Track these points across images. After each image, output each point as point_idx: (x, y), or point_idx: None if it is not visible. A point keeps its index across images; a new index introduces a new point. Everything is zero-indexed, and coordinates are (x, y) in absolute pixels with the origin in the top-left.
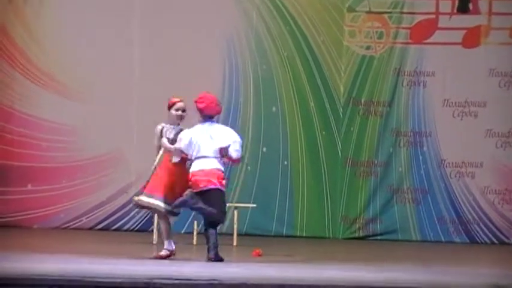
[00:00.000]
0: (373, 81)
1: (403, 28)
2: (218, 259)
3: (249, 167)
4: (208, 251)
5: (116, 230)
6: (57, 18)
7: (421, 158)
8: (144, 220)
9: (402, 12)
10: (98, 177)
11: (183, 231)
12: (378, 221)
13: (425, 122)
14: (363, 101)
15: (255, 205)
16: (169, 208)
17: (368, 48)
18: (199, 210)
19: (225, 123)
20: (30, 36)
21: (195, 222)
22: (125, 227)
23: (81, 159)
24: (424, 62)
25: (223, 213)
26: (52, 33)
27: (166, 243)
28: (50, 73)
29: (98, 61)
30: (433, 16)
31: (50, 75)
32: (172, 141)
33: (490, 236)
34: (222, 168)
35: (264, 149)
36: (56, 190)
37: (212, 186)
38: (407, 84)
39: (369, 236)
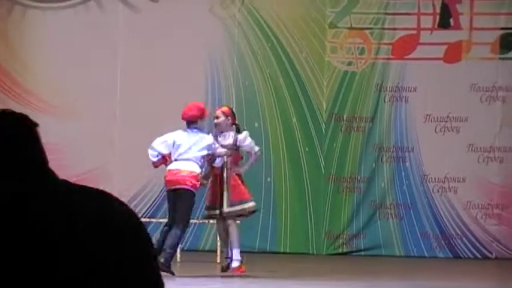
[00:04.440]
0: (355, 97)
1: (385, 44)
2: (166, 267)
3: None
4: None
5: None
6: (39, 35)
7: (403, 173)
8: None
9: (383, 28)
10: None
11: None
12: (362, 237)
13: (408, 138)
14: (345, 116)
15: (238, 221)
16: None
17: (350, 64)
18: None
19: None
20: (12, 54)
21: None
22: None
23: (63, 178)
24: (405, 78)
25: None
26: (34, 51)
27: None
28: (32, 91)
29: (81, 78)
30: (415, 32)
31: (32, 93)
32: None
33: (473, 250)
34: (197, 171)
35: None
36: None
37: (183, 187)
38: (390, 100)
39: (353, 252)
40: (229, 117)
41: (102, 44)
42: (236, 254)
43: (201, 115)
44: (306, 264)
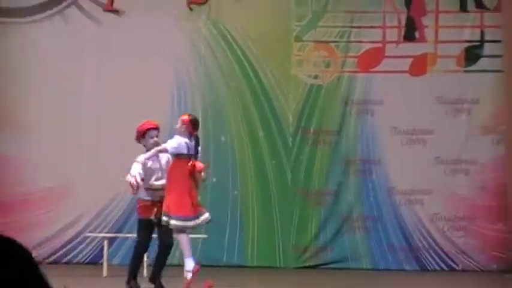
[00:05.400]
0: (322, 110)
1: (351, 57)
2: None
3: (199, 197)
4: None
5: (65, 263)
6: (2, 50)
7: (370, 186)
8: (94, 253)
9: (349, 41)
10: (46, 210)
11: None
12: (329, 250)
13: (374, 150)
14: (312, 129)
15: (205, 236)
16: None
17: (316, 77)
18: None
19: None
20: None
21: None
22: (75, 260)
23: (29, 193)
24: (371, 91)
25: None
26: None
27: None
28: None
29: (45, 92)
30: (380, 45)
31: None
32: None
33: (440, 263)
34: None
35: (214, 179)
36: (3, 225)
37: None
38: (356, 113)
39: (320, 265)
40: (184, 125)
41: (68, 58)
42: (186, 264)
43: (137, 136)
44: (274, 278)
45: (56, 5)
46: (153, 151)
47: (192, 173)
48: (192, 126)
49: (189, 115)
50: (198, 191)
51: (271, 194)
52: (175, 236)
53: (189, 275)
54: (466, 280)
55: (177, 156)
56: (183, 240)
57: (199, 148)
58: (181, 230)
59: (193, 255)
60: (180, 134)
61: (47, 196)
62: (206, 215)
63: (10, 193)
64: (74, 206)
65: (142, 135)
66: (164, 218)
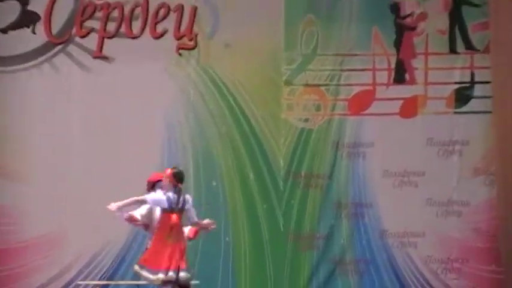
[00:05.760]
0: (313, 153)
1: (341, 100)
2: None
3: (190, 243)
4: None
5: None
6: None
7: (362, 229)
8: None
9: (339, 85)
10: (37, 258)
11: None
12: None
13: (366, 193)
14: (303, 173)
15: (197, 282)
16: None
17: (306, 120)
18: None
19: None
20: None
21: None
22: None
23: (20, 241)
24: (362, 133)
25: None
26: None
27: None
28: None
29: (35, 141)
30: (370, 87)
31: None
32: None
33: None
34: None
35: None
36: None
37: None
38: (347, 156)
39: None
40: (167, 179)
41: (57, 107)
42: None
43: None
44: None
45: (44, 53)
46: (131, 200)
47: (176, 227)
48: (176, 179)
49: (173, 168)
50: (182, 245)
51: (263, 239)
52: None
53: None
54: None
55: (162, 210)
56: None
57: (188, 198)
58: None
59: None
60: (166, 188)
61: (39, 244)
62: (183, 274)
63: (3, 242)
64: (66, 254)
65: (151, 186)
66: (136, 267)
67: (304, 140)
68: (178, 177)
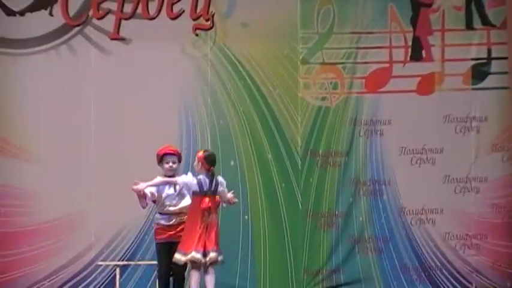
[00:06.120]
0: (330, 132)
1: (358, 78)
2: None
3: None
4: None
5: None
6: (10, 81)
7: (381, 206)
8: (107, 281)
9: (356, 63)
10: (58, 240)
11: None
12: (341, 272)
13: (384, 171)
14: (320, 152)
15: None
16: None
17: (323, 99)
18: None
19: None
20: None
21: None
22: None
23: (41, 223)
24: (379, 111)
25: None
26: (5, 97)
27: None
28: (4, 137)
29: (54, 123)
30: (387, 65)
31: (4, 139)
32: None
33: (454, 282)
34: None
35: (224, 204)
36: (16, 255)
37: None
38: (364, 134)
39: (333, 287)
40: (199, 162)
41: (75, 88)
42: None
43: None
44: None
45: (61, 35)
46: (160, 180)
47: (208, 210)
48: (207, 162)
49: (204, 151)
50: (215, 228)
51: (281, 218)
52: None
53: None
54: None
55: (193, 193)
56: (190, 277)
57: (222, 181)
58: (192, 266)
59: None
60: (198, 171)
61: (59, 225)
62: (212, 255)
63: (21, 224)
64: (86, 235)
65: (159, 159)
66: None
67: (322, 119)
68: (210, 161)
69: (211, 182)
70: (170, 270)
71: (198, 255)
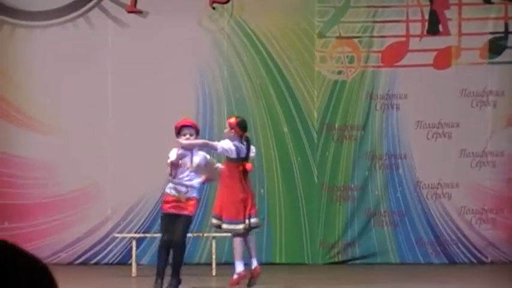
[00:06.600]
0: (346, 105)
1: (374, 52)
2: None
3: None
4: None
5: (95, 264)
6: (27, 53)
7: (397, 180)
8: (123, 253)
9: (372, 36)
10: (74, 212)
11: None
12: (357, 245)
13: (400, 145)
14: (336, 125)
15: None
16: None
17: (339, 73)
18: None
19: None
20: (1, 72)
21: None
22: (104, 261)
23: (57, 195)
24: (396, 85)
25: None
26: (23, 69)
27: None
28: (21, 109)
29: (71, 95)
30: (404, 39)
31: (21, 111)
32: None
33: (469, 255)
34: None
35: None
36: (33, 226)
37: None
38: (381, 108)
39: (348, 260)
40: (232, 129)
41: (92, 61)
42: (235, 266)
43: (175, 132)
44: (302, 275)
45: (79, 7)
46: (202, 141)
47: (244, 175)
48: (240, 128)
49: (236, 117)
50: (251, 193)
51: (297, 191)
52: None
53: (234, 276)
54: (496, 272)
55: (228, 159)
56: (235, 244)
57: (253, 148)
58: (235, 233)
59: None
60: (230, 138)
61: (75, 198)
62: (254, 220)
63: (38, 196)
64: (102, 207)
65: (177, 132)
66: (214, 221)
67: (338, 92)
68: (243, 126)
69: (248, 147)
70: (171, 242)
71: (246, 222)
